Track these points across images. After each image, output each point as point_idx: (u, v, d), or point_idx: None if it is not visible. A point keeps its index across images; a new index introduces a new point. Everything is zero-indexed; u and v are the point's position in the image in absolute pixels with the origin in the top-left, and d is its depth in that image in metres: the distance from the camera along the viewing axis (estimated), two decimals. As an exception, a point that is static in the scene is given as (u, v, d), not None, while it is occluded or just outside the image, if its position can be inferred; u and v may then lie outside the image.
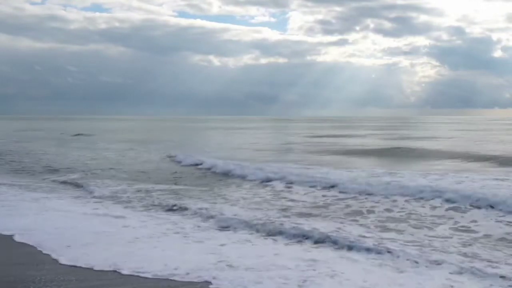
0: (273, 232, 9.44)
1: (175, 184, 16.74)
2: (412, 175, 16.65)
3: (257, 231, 9.67)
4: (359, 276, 7.02)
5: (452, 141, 39.34)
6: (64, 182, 17.36)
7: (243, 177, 17.47)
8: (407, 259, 7.71)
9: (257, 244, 8.90)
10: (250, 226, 9.95)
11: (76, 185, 16.65)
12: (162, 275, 7.05)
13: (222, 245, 8.65)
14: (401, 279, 6.94)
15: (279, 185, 15.59)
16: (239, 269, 7.25)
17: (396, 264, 7.56)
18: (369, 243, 8.59)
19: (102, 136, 53.25)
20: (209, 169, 20.13)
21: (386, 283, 6.78)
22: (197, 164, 21.40)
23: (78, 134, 55.26)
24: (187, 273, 7.06)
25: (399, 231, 9.80)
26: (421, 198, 12.76)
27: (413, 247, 8.42)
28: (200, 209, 11.76)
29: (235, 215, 11.04)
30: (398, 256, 7.83)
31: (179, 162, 22.87)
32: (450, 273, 7.10)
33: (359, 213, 11.69)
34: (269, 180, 16.31)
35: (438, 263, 7.51)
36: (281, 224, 10.02)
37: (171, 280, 6.91)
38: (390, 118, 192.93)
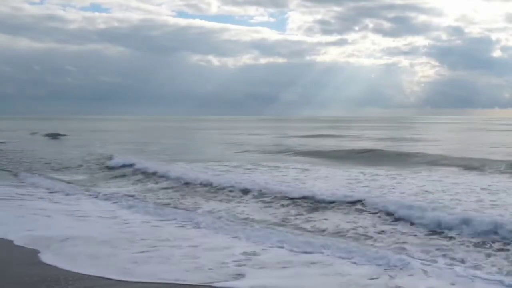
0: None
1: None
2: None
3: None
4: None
5: (431, 143, 38.40)
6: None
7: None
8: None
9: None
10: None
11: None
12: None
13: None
14: None
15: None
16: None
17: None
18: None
19: (74, 136, 52.76)
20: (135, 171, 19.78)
21: None
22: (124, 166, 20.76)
23: (53, 134, 54.51)
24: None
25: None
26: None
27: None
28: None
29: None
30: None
31: (107, 162, 22.37)
32: None
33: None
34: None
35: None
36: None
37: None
38: (388, 118, 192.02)
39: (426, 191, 13.49)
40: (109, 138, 47.54)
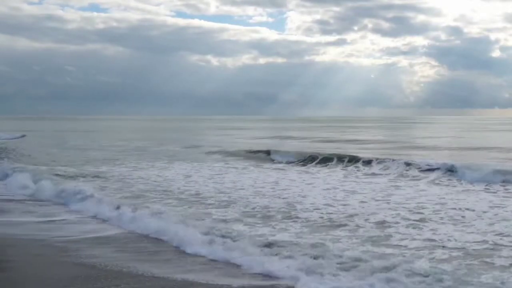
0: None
1: None
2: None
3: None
4: None
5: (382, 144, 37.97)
6: None
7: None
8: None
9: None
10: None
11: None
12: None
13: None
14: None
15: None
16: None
17: None
18: None
19: (33, 137, 52.64)
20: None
21: None
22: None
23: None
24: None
25: None
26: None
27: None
28: None
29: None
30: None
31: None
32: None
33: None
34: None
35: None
36: None
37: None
38: (386, 118, 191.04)
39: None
40: (69, 139, 47.44)
